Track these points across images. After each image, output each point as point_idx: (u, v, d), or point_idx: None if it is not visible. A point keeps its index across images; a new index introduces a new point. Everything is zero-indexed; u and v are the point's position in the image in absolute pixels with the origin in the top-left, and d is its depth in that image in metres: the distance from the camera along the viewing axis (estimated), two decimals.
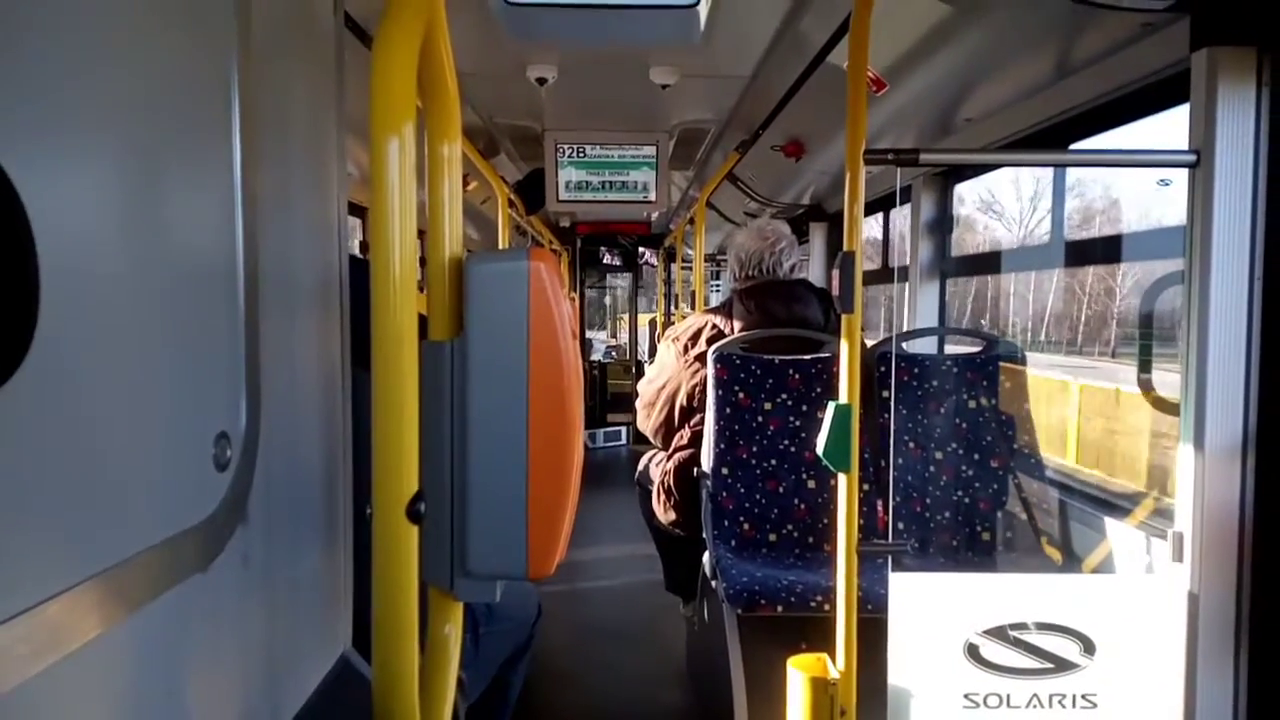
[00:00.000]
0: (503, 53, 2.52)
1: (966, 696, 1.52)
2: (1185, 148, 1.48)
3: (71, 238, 0.53)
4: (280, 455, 0.86)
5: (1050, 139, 2.28)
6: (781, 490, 2.48)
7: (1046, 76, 2.11)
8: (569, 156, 3.64)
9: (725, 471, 2.48)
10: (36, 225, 0.48)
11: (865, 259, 1.59)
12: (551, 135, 3.59)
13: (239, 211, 0.76)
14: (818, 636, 1.91)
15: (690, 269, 5.42)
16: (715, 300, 7.76)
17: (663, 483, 2.82)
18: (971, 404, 2.45)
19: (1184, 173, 1.49)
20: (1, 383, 0.46)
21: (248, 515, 0.78)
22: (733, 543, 2.45)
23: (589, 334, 10.24)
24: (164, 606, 0.65)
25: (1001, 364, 2.49)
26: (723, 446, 2.49)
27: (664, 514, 2.85)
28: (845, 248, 1.54)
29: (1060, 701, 1.52)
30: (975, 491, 2.41)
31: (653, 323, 8.97)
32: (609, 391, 8.13)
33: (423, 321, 0.73)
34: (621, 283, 9.56)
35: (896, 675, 1.53)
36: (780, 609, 2.08)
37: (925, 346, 2.96)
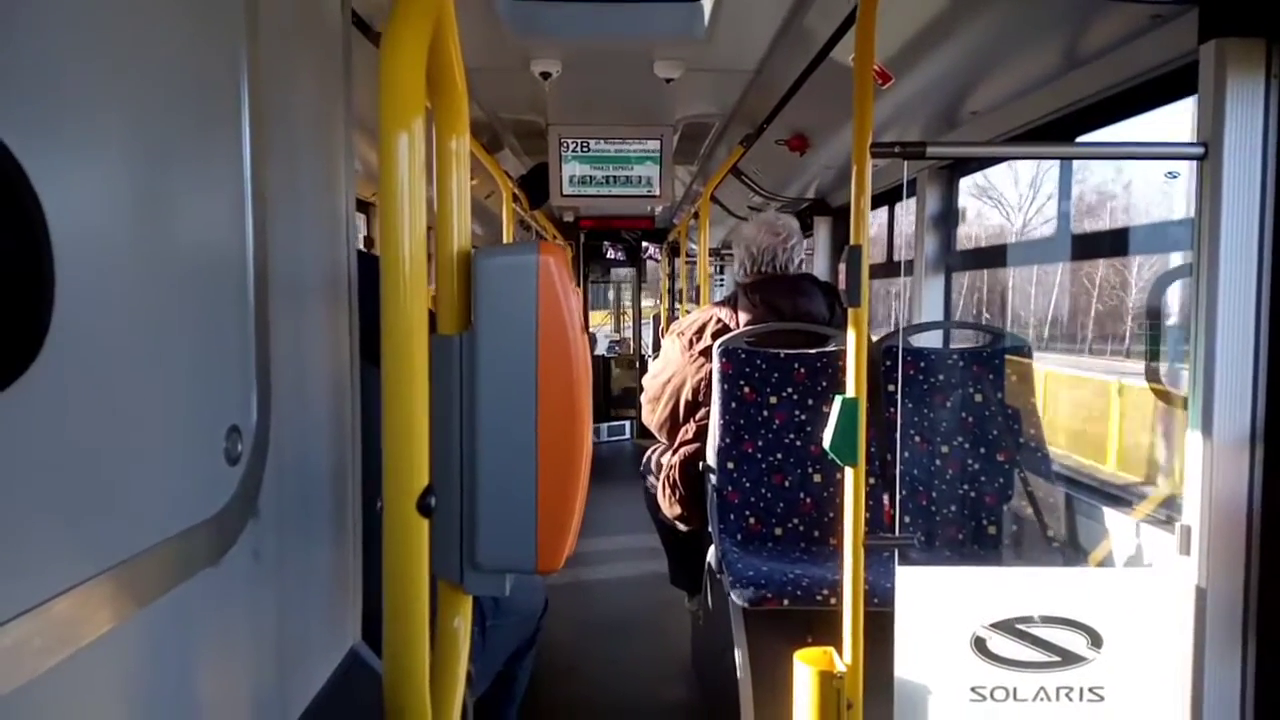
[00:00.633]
0: (506, 47, 2.52)
1: (973, 690, 1.52)
2: (1193, 140, 1.47)
3: (84, 232, 0.53)
4: (291, 449, 0.86)
5: (1057, 131, 2.27)
6: (787, 484, 2.48)
7: (1053, 69, 2.10)
8: (573, 151, 3.63)
9: (731, 466, 2.48)
10: (51, 220, 0.48)
11: (870, 253, 1.59)
12: (555, 130, 3.59)
13: (248, 206, 0.76)
14: (824, 630, 1.92)
15: (694, 263, 5.42)
16: (719, 295, 7.75)
17: (668, 477, 2.82)
18: (978, 398, 2.45)
19: (1192, 165, 1.49)
20: (16, 377, 0.47)
21: (258, 509, 0.78)
22: (738, 537, 2.45)
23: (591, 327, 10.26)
24: (175, 600, 0.65)
25: (1008, 357, 2.48)
26: (728, 441, 2.49)
27: (669, 508, 2.85)
28: (852, 241, 1.54)
29: (1067, 695, 1.52)
30: (981, 485, 2.41)
31: (657, 317, 8.97)
32: (613, 386, 8.14)
33: (431, 316, 0.73)
34: (625, 276, 9.55)
35: (903, 669, 1.53)
36: (786, 603, 2.09)
37: (931, 340, 2.96)
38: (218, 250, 0.73)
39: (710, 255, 4.79)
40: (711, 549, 2.51)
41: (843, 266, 4.44)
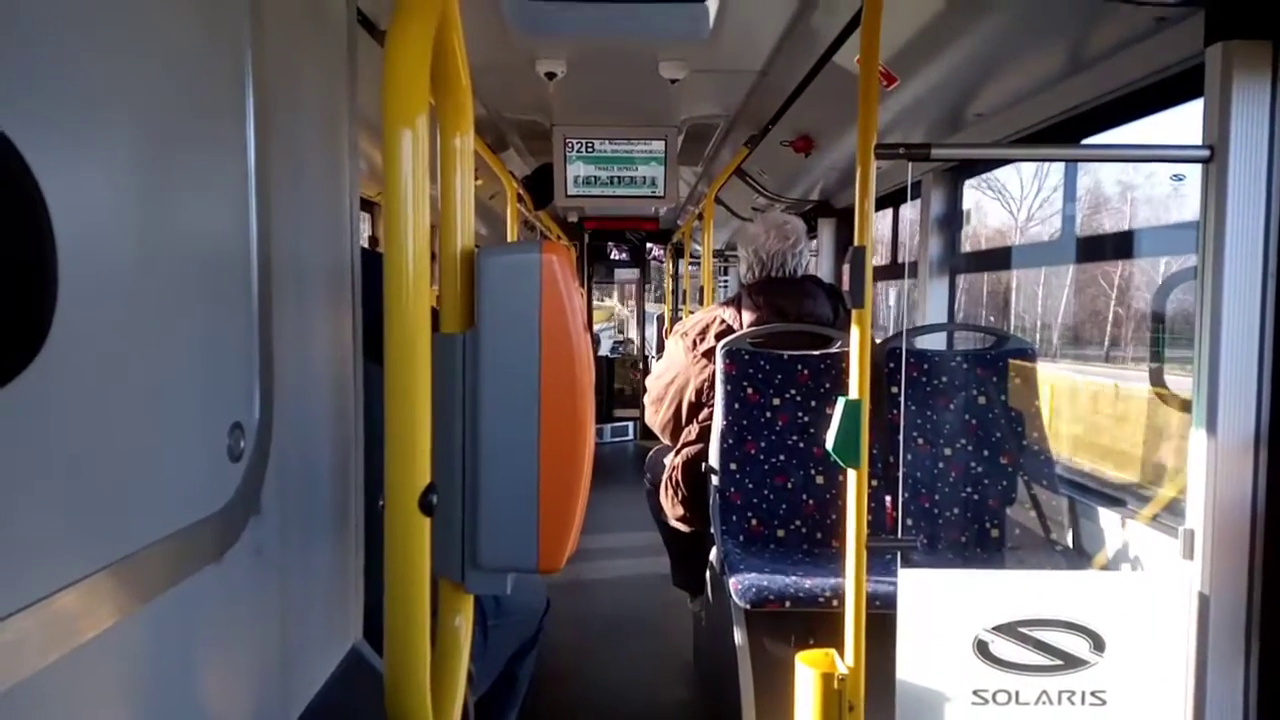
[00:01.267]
0: (511, 47, 2.52)
1: (975, 693, 1.52)
2: (1199, 142, 1.47)
3: (89, 229, 0.53)
4: (293, 446, 0.86)
5: (1062, 134, 2.27)
6: (790, 486, 2.48)
7: (1058, 71, 2.09)
8: (578, 151, 3.63)
9: (733, 467, 2.48)
10: (55, 216, 0.48)
11: (874, 255, 1.59)
12: (560, 130, 3.59)
13: (253, 204, 0.77)
14: (826, 632, 1.91)
15: (698, 264, 5.41)
16: (723, 296, 7.74)
17: (670, 478, 2.82)
18: (981, 400, 2.44)
19: (1198, 168, 1.48)
20: (18, 372, 0.47)
21: (261, 506, 0.78)
22: (741, 538, 2.45)
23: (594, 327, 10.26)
24: (178, 596, 0.65)
25: (1011, 360, 2.48)
26: (731, 442, 2.48)
27: (671, 509, 2.85)
28: (856, 243, 1.53)
29: (1070, 698, 1.51)
30: (984, 488, 2.41)
31: (660, 318, 8.97)
32: (616, 386, 8.14)
33: (434, 315, 0.73)
34: (629, 276, 9.55)
35: (905, 671, 1.53)
36: (788, 604, 2.08)
37: (935, 343, 2.95)
38: (221, 247, 0.73)
39: (714, 256, 4.79)
40: (714, 550, 2.51)
41: (846, 267, 4.43)
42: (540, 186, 4.21)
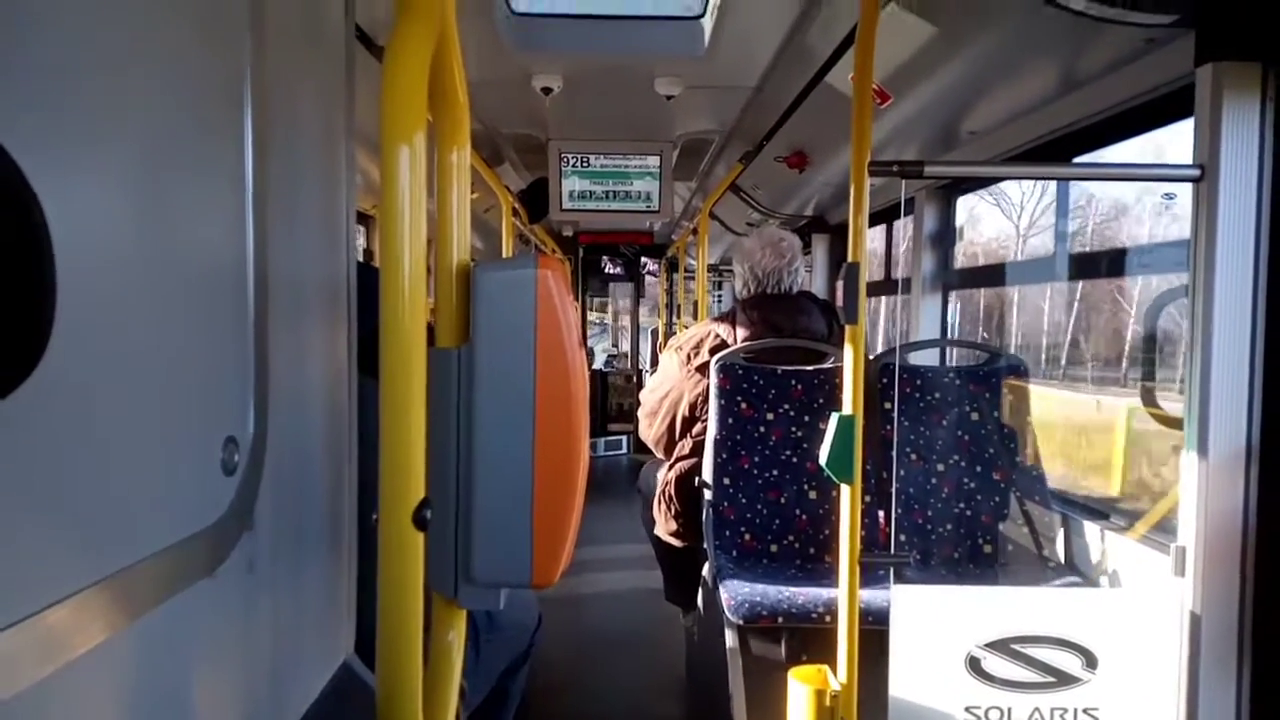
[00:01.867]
0: (508, 62, 2.53)
1: (968, 710, 1.52)
2: (1189, 162, 1.49)
3: (85, 242, 0.53)
4: (287, 460, 0.86)
5: (1054, 152, 2.29)
6: (783, 501, 2.48)
7: (1050, 90, 2.12)
8: (573, 166, 3.65)
9: (727, 481, 2.48)
10: (53, 231, 0.48)
11: (868, 270, 1.60)
12: (556, 144, 3.60)
13: (249, 217, 0.77)
14: (819, 648, 1.91)
15: (692, 279, 5.43)
16: (717, 311, 7.75)
17: (663, 492, 2.81)
18: (974, 416, 2.45)
19: (1188, 187, 1.50)
20: (16, 385, 0.47)
21: (254, 520, 0.78)
22: (734, 553, 2.44)
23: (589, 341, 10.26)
24: (170, 611, 0.65)
25: (1004, 377, 2.49)
26: (724, 456, 2.48)
27: (664, 524, 2.84)
28: (849, 259, 1.54)
29: (1062, 715, 1.51)
30: (977, 504, 2.41)
31: (654, 332, 8.98)
32: (610, 400, 8.13)
33: (430, 329, 0.73)
34: (624, 292, 9.57)
35: (898, 688, 1.52)
36: (781, 620, 2.08)
37: (928, 359, 2.96)
38: (218, 260, 0.73)
39: (709, 271, 4.81)
40: (706, 565, 2.50)
41: (840, 283, 4.45)
42: (535, 200, 4.22)
